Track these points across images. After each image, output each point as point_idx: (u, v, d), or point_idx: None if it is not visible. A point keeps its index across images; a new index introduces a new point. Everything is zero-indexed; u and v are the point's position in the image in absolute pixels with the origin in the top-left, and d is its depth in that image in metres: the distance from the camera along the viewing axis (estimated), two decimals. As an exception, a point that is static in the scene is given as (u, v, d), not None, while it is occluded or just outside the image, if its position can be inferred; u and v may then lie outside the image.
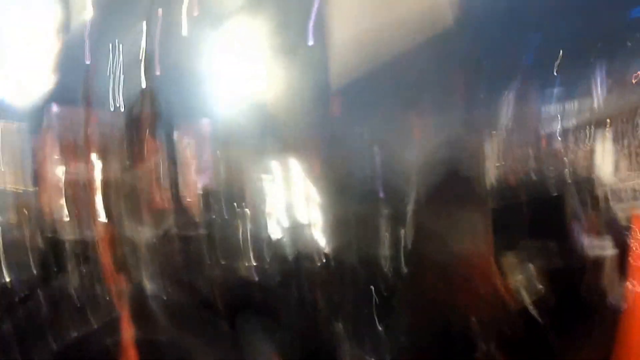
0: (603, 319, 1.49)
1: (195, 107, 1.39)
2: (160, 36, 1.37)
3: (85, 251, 1.50)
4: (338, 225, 1.15)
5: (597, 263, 1.56)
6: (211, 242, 1.33)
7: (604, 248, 1.59)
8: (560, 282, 1.57)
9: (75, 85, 1.53)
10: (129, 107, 1.41)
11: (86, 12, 1.57)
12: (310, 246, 1.12)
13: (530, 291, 1.52)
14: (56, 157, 1.57)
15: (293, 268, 1.13)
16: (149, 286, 1.28)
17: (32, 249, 1.46)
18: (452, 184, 1.10)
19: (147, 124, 1.39)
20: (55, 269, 1.39)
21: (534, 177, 1.34)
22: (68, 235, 1.43)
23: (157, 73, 1.38)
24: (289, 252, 1.14)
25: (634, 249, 1.41)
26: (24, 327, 1.28)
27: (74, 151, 1.53)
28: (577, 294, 1.66)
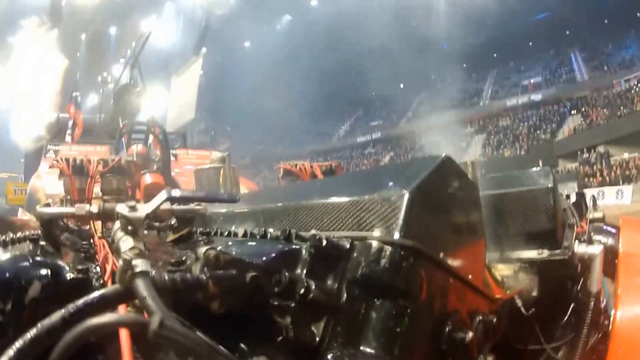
0: (589, 317, 1.45)
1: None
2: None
3: (80, 228, 1.51)
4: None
5: (584, 261, 1.51)
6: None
7: (590, 247, 1.54)
8: (547, 280, 1.53)
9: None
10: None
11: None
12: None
13: (518, 288, 1.48)
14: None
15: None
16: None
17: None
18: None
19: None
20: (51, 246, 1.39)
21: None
22: (64, 212, 1.43)
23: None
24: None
25: (619, 249, 1.38)
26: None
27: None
28: (564, 292, 1.61)
